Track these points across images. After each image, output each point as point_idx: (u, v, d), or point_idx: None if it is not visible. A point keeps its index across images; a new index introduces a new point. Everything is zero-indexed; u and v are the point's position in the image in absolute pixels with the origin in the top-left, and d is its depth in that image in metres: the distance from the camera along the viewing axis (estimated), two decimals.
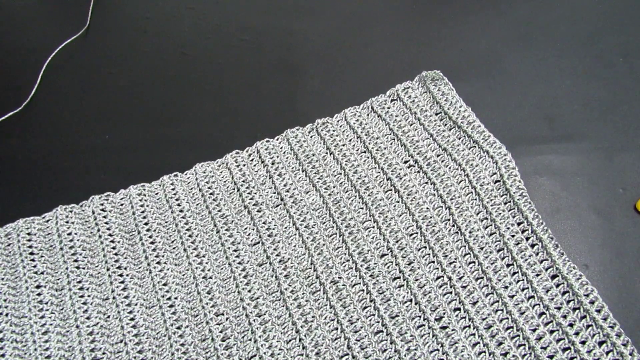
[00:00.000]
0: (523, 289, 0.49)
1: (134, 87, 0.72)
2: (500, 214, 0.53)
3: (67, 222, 0.58)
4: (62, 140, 0.67)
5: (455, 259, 0.51)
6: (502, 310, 0.48)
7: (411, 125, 0.62)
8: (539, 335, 0.46)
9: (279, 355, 0.48)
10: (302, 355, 0.48)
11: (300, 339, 0.49)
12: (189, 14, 0.80)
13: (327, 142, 0.62)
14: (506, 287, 0.49)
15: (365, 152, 0.61)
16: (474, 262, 0.51)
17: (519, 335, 0.47)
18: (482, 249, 0.52)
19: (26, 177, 0.64)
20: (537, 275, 0.49)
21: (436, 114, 0.62)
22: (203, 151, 0.63)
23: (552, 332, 0.47)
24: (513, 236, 0.52)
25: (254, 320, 0.50)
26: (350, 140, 0.62)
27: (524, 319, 0.47)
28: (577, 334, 0.46)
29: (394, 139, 0.61)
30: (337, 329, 0.49)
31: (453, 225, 0.53)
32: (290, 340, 0.49)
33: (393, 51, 0.71)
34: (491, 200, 0.54)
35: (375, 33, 0.74)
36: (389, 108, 0.64)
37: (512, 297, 0.49)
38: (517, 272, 0.50)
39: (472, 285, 0.50)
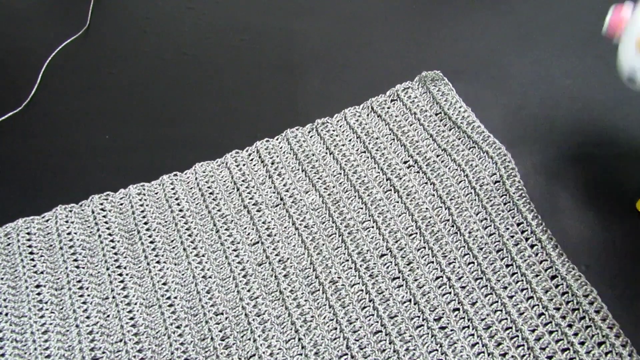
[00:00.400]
0: (522, 290, 0.49)
1: (134, 87, 0.72)
2: (499, 214, 0.53)
3: (66, 221, 0.58)
4: (62, 140, 0.67)
5: (455, 259, 0.51)
6: (501, 310, 0.48)
7: (411, 125, 0.62)
8: (537, 336, 0.46)
9: (278, 355, 0.48)
10: (301, 355, 0.48)
11: (299, 339, 0.49)
12: (189, 14, 0.80)
13: (327, 142, 0.62)
14: (505, 288, 0.49)
15: (365, 152, 0.61)
16: (473, 263, 0.51)
17: (518, 336, 0.47)
18: (481, 249, 0.52)
19: (26, 177, 0.64)
20: (537, 275, 0.49)
21: (436, 114, 0.62)
22: (203, 151, 0.63)
23: (551, 332, 0.46)
24: (512, 236, 0.52)
25: (253, 319, 0.50)
26: (350, 140, 0.62)
27: (523, 320, 0.47)
28: (576, 334, 0.46)
29: (393, 139, 0.61)
30: (336, 328, 0.49)
31: (452, 226, 0.53)
32: (289, 340, 0.49)
33: (393, 51, 0.71)
34: (491, 200, 0.54)
35: (375, 33, 0.74)
36: (388, 108, 0.64)
37: (511, 297, 0.49)
38: (517, 273, 0.50)
39: (471, 285, 0.50)
